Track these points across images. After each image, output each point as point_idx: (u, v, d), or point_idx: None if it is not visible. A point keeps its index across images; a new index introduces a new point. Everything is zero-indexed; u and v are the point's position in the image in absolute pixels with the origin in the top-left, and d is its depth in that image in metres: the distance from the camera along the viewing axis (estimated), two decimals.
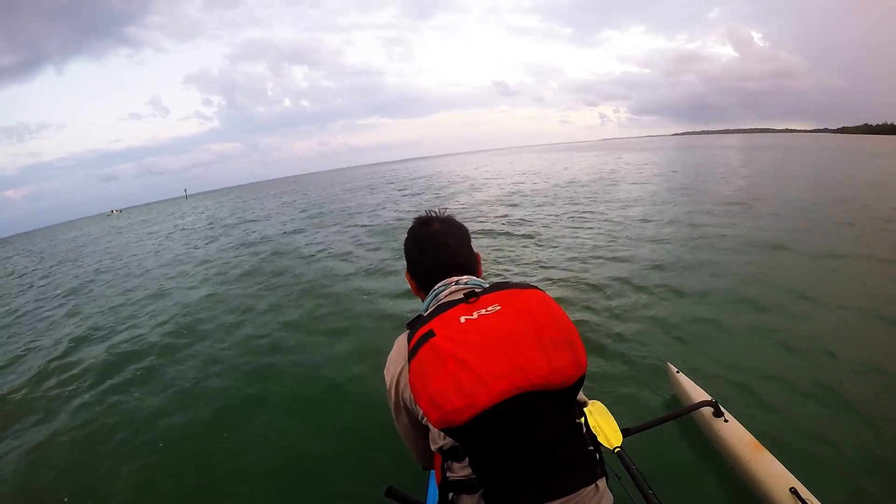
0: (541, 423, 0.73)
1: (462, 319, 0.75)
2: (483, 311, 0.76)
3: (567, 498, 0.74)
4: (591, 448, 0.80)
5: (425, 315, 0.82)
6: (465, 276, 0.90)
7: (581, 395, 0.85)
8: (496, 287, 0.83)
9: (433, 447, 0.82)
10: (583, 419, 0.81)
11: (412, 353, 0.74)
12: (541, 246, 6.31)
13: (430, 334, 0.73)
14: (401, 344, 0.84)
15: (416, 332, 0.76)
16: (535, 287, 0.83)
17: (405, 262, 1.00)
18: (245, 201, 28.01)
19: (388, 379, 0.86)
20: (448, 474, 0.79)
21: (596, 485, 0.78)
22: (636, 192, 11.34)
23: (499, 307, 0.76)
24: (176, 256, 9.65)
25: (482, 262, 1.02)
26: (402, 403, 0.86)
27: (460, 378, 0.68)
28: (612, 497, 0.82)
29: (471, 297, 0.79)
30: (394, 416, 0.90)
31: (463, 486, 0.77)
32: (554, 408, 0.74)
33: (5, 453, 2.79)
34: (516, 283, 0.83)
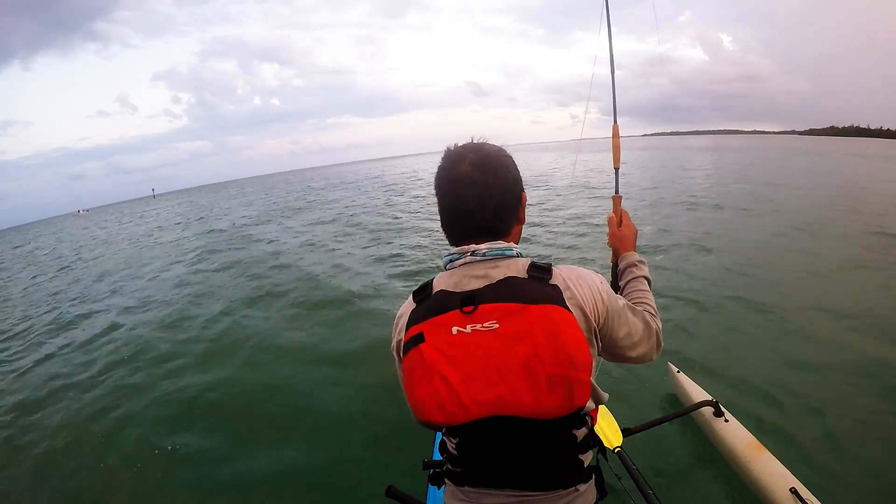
0: (520, 440, 0.73)
1: (454, 331, 0.69)
2: (478, 327, 0.68)
3: (540, 494, 0.75)
4: (583, 457, 0.79)
5: (432, 292, 0.76)
6: (484, 245, 0.75)
7: (590, 402, 0.76)
8: (503, 292, 0.70)
9: None
10: (583, 428, 0.79)
11: (405, 349, 0.72)
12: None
13: (420, 338, 0.70)
14: (401, 323, 0.79)
15: (411, 328, 0.73)
16: (555, 300, 0.69)
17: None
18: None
19: (392, 339, 0.82)
20: (445, 439, 0.84)
21: (576, 487, 0.77)
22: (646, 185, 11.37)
23: (496, 325, 0.68)
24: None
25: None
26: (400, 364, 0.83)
27: (442, 396, 0.68)
28: (595, 497, 0.81)
29: (468, 303, 0.70)
30: (397, 367, 0.85)
31: (451, 457, 0.82)
32: (537, 429, 0.72)
33: None
34: (530, 291, 0.70)
